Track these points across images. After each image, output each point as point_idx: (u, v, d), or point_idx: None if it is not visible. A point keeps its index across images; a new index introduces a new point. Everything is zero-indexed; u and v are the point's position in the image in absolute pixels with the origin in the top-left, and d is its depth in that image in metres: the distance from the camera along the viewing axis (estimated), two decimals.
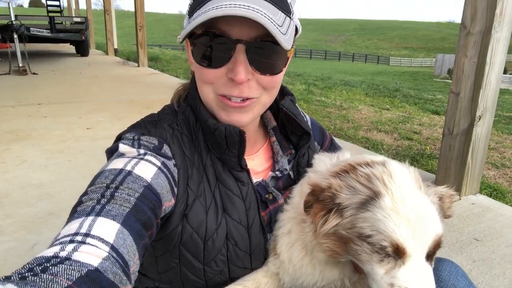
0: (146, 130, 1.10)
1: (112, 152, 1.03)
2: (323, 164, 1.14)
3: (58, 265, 0.63)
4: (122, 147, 1.01)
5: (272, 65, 1.05)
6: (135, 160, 0.96)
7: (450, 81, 3.17)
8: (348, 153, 1.22)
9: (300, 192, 1.14)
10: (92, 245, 0.71)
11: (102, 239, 0.73)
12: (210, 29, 0.98)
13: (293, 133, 1.33)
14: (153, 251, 1.15)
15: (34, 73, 9.11)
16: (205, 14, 0.92)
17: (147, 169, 0.95)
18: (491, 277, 2.15)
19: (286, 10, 1.01)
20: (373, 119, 6.23)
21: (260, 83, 1.05)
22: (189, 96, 1.21)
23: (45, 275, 0.60)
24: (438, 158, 3.38)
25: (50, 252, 0.67)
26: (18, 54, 9.28)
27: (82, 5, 20.17)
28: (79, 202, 0.84)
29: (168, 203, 1.00)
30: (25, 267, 0.63)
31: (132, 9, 11.97)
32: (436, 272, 1.07)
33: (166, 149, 1.06)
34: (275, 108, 1.30)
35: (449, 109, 3.17)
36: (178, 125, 1.14)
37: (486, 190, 3.50)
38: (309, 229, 1.02)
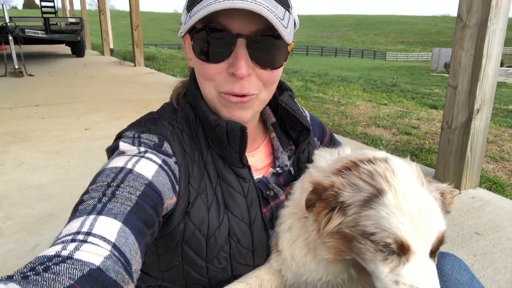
0: (146, 128, 1.09)
1: (112, 151, 1.03)
2: (324, 160, 1.14)
3: (60, 264, 0.63)
4: (123, 145, 1.00)
5: (273, 60, 1.04)
6: (135, 158, 0.95)
7: (447, 75, 3.18)
8: (349, 148, 1.21)
9: (301, 187, 1.14)
10: (94, 244, 0.71)
11: (104, 238, 0.73)
12: (210, 24, 0.97)
13: (292, 129, 1.32)
14: (155, 249, 1.15)
15: (30, 75, 9.08)
16: (207, 7, 0.91)
17: (148, 167, 0.94)
18: (492, 271, 2.15)
19: (285, 4, 1.00)
20: (371, 114, 6.23)
21: (260, 78, 1.05)
22: (188, 93, 1.21)
23: (47, 274, 0.60)
24: (437, 152, 3.38)
25: (52, 251, 0.67)
26: (14, 56, 9.23)
27: (77, 6, 20.06)
28: (81, 201, 0.84)
29: (170, 200, 0.99)
30: (27, 266, 0.63)
31: (127, 8, 11.93)
32: (439, 266, 1.07)
33: (166, 146, 1.06)
34: (274, 104, 1.30)
35: (447, 103, 3.17)
36: (178, 122, 1.14)
37: (486, 183, 3.50)
38: (312, 228, 1.02)
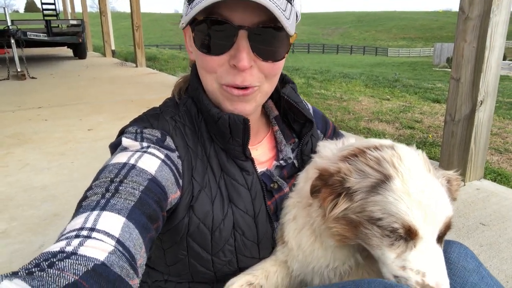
0: (149, 123, 1.09)
1: (115, 147, 1.03)
2: (328, 150, 1.14)
3: (64, 260, 0.63)
4: (125, 141, 1.01)
5: (274, 52, 1.04)
6: (138, 154, 0.95)
7: (449, 69, 3.16)
8: (353, 138, 1.21)
9: (305, 177, 1.14)
10: (98, 239, 0.71)
11: (108, 233, 0.73)
12: (211, 15, 0.97)
13: (295, 121, 1.32)
14: (161, 243, 1.15)
15: (32, 78, 9.10)
16: None
17: (150, 162, 0.94)
18: (499, 261, 2.14)
19: None
20: (373, 109, 6.21)
21: (261, 70, 1.04)
22: (190, 88, 1.21)
23: (51, 270, 0.60)
24: (441, 145, 3.37)
25: (56, 248, 0.67)
26: (16, 59, 9.26)
27: (78, 8, 20.13)
28: (84, 197, 0.84)
29: (174, 195, 0.99)
30: (32, 262, 0.63)
31: (128, 10, 11.96)
32: (445, 254, 1.07)
33: (169, 141, 1.06)
34: (276, 97, 1.30)
35: (450, 95, 3.15)
36: (180, 117, 1.14)
37: (491, 175, 3.49)
38: (317, 214, 1.02)
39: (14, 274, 0.58)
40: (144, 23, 12.46)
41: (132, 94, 7.15)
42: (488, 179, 3.33)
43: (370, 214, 0.89)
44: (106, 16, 14.40)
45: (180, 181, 1.04)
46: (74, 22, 13.82)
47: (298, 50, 64.45)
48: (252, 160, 1.16)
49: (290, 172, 1.27)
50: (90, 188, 0.86)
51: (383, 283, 0.86)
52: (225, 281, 1.14)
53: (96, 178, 0.89)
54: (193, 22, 1.01)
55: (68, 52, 15.00)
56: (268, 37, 1.00)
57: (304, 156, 1.28)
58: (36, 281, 0.57)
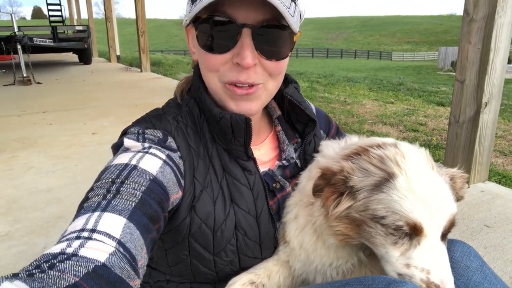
0: (151, 124, 1.09)
1: (117, 147, 1.03)
2: (331, 149, 1.13)
3: (65, 262, 0.63)
4: (127, 142, 1.01)
5: (278, 50, 1.04)
6: (140, 154, 0.95)
7: (454, 73, 3.14)
8: (356, 137, 1.21)
9: (307, 177, 1.13)
10: (98, 240, 0.71)
11: (109, 234, 0.73)
12: (215, 13, 0.97)
13: (298, 122, 1.32)
14: (163, 244, 1.15)
15: (38, 83, 9.18)
16: None
17: (152, 163, 0.94)
18: (503, 262, 2.12)
19: None
20: (377, 112, 6.20)
21: (265, 68, 1.04)
22: (192, 88, 1.21)
23: (52, 271, 0.60)
24: (445, 147, 3.35)
25: (57, 249, 0.67)
26: (22, 64, 9.36)
27: (84, 15, 20.27)
28: (86, 198, 0.84)
29: (175, 195, 0.99)
30: (32, 264, 0.63)
31: (133, 16, 12.02)
32: (449, 253, 1.06)
33: (171, 141, 1.06)
34: (279, 97, 1.30)
35: (454, 97, 3.14)
36: (182, 117, 1.14)
37: (495, 177, 3.47)
38: (319, 213, 1.01)
39: (15, 276, 0.58)
40: (149, 29, 12.53)
41: (136, 99, 7.18)
42: (493, 181, 3.31)
43: (374, 213, 0.89)
44: (112, 22, 14.52)
45: (182, 181, 1.03)
46: (80, 28, 13.95)
47: (302, 55, 64.53)
48: (254, 160, 1.15)
49: (293, 172, 1.27)
50: (91, 189, 0.86)
51: (387, 279, 0.85)
52: (227, 281, 1.13)
53: (98, 179, 0.89)
54: (197, 20, 1.01)
55: (74, 57, 15.13)
56: (272, 36, 1.00)
57: (306, 156, 1.28)
58: (36, 283, 0.57)
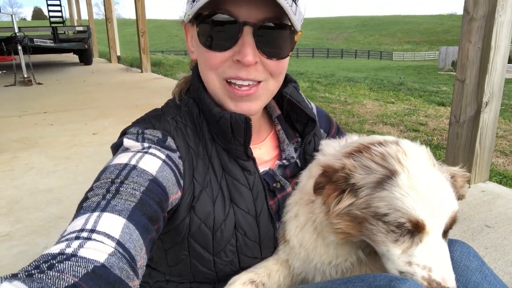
0: (150, 124, 1.09)
1: (117, 147, 1.03)
2: (331, 148, 1.14)
3: (64, 262, 0.63)
4: (127, 142, 1.01)
5: (279, 49, 1.04)
6: (139, 154, 0.95)
7: (455, 73, 3.13)
8: (356, 136, 1.21)
9: (308, 175, 1.13)
10: (98, 241, 0.71)
11: (108, 235, 0.73)
12: (216, 10, 0.97)
13: (298, 121, 1.32)
14: (162, 244, 1.15)
15: (39, 83, 9.19)
16: None
17: (152, 163, 0.94)
18: (504, 263, 2.12)
19: None
20: (378, 112, 6.20)
21: (266, 67, 1.04)
22: (191, 88, 1.21)
23: (51, 272, 0.60)
24: (446, 147, 3.34)
25: (56, 249, 0.67)
26: (23, 65, 9.37)
27: (84, 15, 20.29)
28: (85, 198, 0.84)
29: (175, 195, 0.99)
30: (31, 264, 0.63)
31: (133, 17, 12.02)
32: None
33: (170, 141, 1.06)
34: (278, 96, 1.29)
35: (455, 97, 3.13)
36: (181, 117, 1.14)
37: (496, 177, 3.46)
38: (320, 210, 1.01)
39: (14, 276, 0.58)
40: (150, 29, 12.53)
41: (137, 99, 7.19)
42: (494, 181, 3.30)
43: (376, 210, 0.89)
44: (112, 23, 14.52)
45: (181, 181, 1.03)
46: (80, 28, 13.95)
47: (302, 55, 64.49)
48: (253, 160, 1.15)
49: (293, 171, 1.27)
50: (91, 189, 0.86)
51: (389, 276, 0.85)
52: (227, 281, 1.13)
53: (97, 179, 0.89)
54: (198, 18, 1.01)
55: (74, 58, 15.14)
56: (273, 35, 1.00)
57: (307, 156, 1.28)
58: (35, 283, 0.57)
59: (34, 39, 10.57)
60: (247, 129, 1.08)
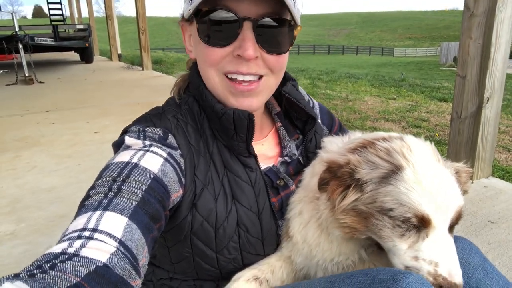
0: (151, 122, 1.09)
1: (118, 145, 1.03)
2: (334, 145, 1.14)
3: (66, 262, 0.63)
4: (128, 140, 1.01)
5: (279, 44, 1.04)
6: (141, 152, 0.95)
7: (456, 69, 3.12)
8: (359, 133, 1.21)
9: (311, 173, 1.14)
10: (100, 240, 0.71)
11: (110, 234, 0.73)
12: (216, 6, 0.97)
13: (297, 119, 1.32)
14: (165, 242, 1.15)
15: (40, 82, 9.19)
16: None
17: (153, 161, 0.94)
18: (508, 258, 2.12)
19: None
20: (379, 109, 6.19)
21: (266, 63, 1.04)
22: (191, 86, 1.21)
23: (53, 272, 0.61)
24: (448, 143, 3.34)
25: (58, 249, 0.67)
26: (24, 64, 9.37)
27: (84, 14, 20.27)
28: (87, 196, 0.84)
29: (176, 194, 0.99)
30: (33, 264, 0.63)
31: (133, 14, 12.01)
32: None
33: (171, 139, 1.06)
34: (277, 93, 1.29)
35: (456, 93, 3.12)
36: (182, 115, 1.14)
37: (499, 173, 3.46)
38: (325, 207, 1.02)
39: (16, 276, 0.58)
40: (150, 27, 12.52)
41: (138, 97, 7.19)
42: (496, 177, 3.29)
43: (382, 205, 0.89)
44: (112, 21, 14.50)
45: (183, 179, 1.03)
46: (81, 27, 13.93)
47: (303, 52, 64.35)
48: (255, 157, 1.15)
49: (296, 169, 1.27)
50: (92, 187, 0.86)
51: (392, 270, 0.86)
52: (230, 278, 1.14)
53: (99, 177, 0.89)
54: (197, 14, 1.01)
55: (75, 56, 15.13)
56: (273, 29, 1.00)
57: (309, 153, 1.28)
58: (37, 283, 0.57)
59: (35, 38, 10.55)
60: (250, 125, 1.08)
